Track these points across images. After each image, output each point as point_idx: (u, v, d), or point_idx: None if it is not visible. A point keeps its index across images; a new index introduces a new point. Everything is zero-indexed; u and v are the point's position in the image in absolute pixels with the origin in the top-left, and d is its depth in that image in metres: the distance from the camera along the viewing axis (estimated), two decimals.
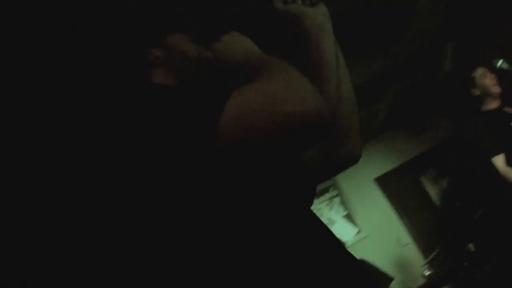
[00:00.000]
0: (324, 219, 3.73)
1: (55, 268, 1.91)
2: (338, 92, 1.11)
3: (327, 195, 3.99)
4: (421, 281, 3.46)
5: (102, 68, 1.64)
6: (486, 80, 2.53)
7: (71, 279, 1.91)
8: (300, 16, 1.15)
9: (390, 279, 3.25)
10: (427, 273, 3.44)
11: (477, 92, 2.54)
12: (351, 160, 1.16)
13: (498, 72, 2.48)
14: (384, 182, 4.05)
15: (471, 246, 2.96)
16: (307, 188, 1.08)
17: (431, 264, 3.44)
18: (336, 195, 3.98)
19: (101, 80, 1.67)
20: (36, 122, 1.93)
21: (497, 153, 2.41)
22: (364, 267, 0.96)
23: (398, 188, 4.01)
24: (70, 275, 1.91)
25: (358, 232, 3.81)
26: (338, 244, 0.90)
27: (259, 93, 0.80)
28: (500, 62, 2.38)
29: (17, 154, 1.94)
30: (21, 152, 1.95)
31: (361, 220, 3.84)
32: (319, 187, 3.97)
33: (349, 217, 3.88)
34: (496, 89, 2.51)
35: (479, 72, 2.57)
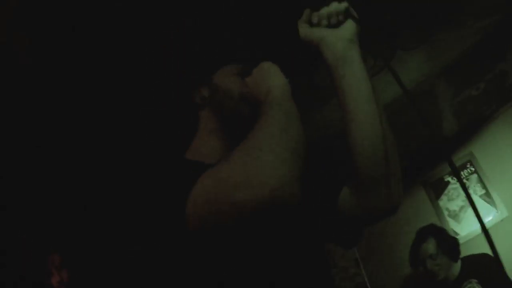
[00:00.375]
0: (460, 201, 3.61)
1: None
2: (369, 131, 0.99)
3: (464, 173, 3.79)
4: None
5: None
6: None
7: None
8: (319, 45, 1.06)
9: None
10: None
11: None
12: (390, 210, 1.04)
13: None
14: None
15: None
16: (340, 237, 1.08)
17: None
18: (474, 172, 3.77)
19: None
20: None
21: None
22: None
23: None
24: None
25: (498, 212, 3.57)
26: None
27: (215, 180, 0.79)
28: None
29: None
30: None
31: (502, 199, 3.57)
32: (456, 164, 3.82)
33: (487, 196, 3.64)
34: None
35: None
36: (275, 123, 0.85)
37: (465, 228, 3.60)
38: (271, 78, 1.00)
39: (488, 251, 2.77)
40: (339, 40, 1.03)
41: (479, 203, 3.61)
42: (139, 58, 1.87)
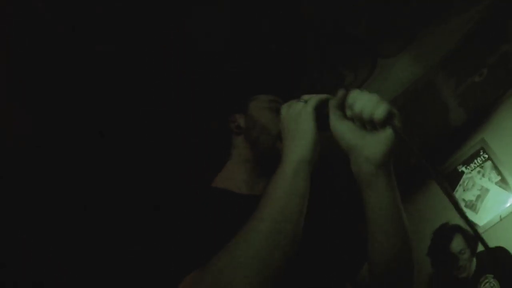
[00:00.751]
0: (476, 190, 3.56)
1: (55, 267, 2.02)
2: (389, 254, 0.93)
3: (478, 160, 3.74)
4: None
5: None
6: None
7: (71, 279, 2.03)
8: (346, 152, 0.92)
9: None
10: None
11: None
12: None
13: None
14: None
15: None
16: None
17: None
18: (487, 159, 3.71)
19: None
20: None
21: None
22: None
23: None
24: (70, 274, 2.04)
25: None
26: None
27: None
28: None
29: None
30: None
31: None
32: (468, 153, 3.77)
33: (504, 182, 3.56)
34: None
35: None
36: (268, 218, 0.81)
37: (483, 217, 3.54)
38: (296, 139, 0.93)
39: (505, 243, 2.75)
40: (367, 163, 0.88)
41: (496, 190, 3.57)
42: (174, 78, 1.89)
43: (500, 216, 3.44)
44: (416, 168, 3.52)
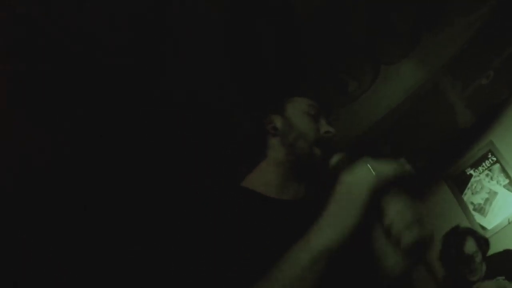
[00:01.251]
0: (484, 193, 3.53)
1: (55, 267, 2.01)
2: None
3: (486, 163, 3.71)
4: None
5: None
6: None
7: (71, 279, 2.02)
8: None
9: None
10: None
11: None
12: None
13: None
14: None
15: None
16: None
17: None
18: (496, 162, 3.68)
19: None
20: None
21: None
22: None
23: None
24: (70, 274, 2.02)
25: None
26: None
27: None
28: None
29: None
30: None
31: None
32: (476, 156, 3.74)
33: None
34: None
35: None
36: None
37: (491, 221, 3.52)
38: (338, 217, 0.80)
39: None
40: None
41: (504, 193, 3.54)
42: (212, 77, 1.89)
43: (509, 219, 3.41)
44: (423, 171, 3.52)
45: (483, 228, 3.50)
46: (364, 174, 0.79)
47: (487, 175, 3.68)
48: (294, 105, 1.17)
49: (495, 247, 2.97)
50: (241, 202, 1.01)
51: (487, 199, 3.59)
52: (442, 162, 3.86)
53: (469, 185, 3.74)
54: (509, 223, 3.37)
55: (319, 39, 1.85)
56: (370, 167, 0.79)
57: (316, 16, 1.79)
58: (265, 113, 1.18)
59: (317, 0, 1.70)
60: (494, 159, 3.68)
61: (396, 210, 0.77)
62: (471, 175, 3.75)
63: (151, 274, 1.96)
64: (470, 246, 2.84)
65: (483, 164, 3.72)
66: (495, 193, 3.57)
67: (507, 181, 3.57)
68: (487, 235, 3.28)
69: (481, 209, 3.61)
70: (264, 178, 1.10)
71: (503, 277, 2.63)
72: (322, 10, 1.77)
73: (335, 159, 0.93)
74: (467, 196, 3.72)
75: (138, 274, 2.05)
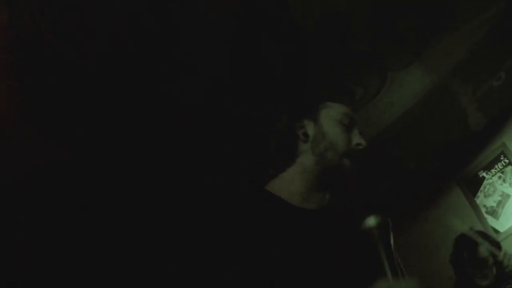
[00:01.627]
0: (497, 196, 3.51)
1: (55, 267, 2.01)
2: None
3: (499, 165, 3.67)
4: None
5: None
6: None
7: (71, 279, 2.00)
8: None
9: None
10: None
11: None
12: None
13: None
14: None
15: None
16: None
17: None
18: (508, 164, 3.63)
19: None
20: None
21: None
22: None
23: None
24: (70, 274, 2.01)
25: None
26: None
27: None
28: None
29: None
30: None
31: None
32: (488, 158, 3.72)
33: None
34: None
35: None
36: None
37: (504, 224, 3.49)
38: None
39: None
40: None
41: None
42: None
43: None
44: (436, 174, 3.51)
45: (496, 231, 3.48)
46: None
47: (499, 177, 3.64)
48: (328, 112, 1.15)
49: (508, 250, 2.95)
50: (263, 206, 1.01)
51: (499, 202, 3.56)
52: (454, 165, 3.84)
53: (482, 187, 3.71)
54: None
55: (323, 47, 1.87)
56: None
57: (318, 26, 1.82)
58: (298, 117, 1.15)
59: (317, 12, 1.73)
60: (507, 161, 3.64)
61: None
62: (483, 178, 3.72)
63: (157, 273, 1.99)
64: (483, 249, 2.82)
65: (496, 166, 3.68)
66: (508, 196, 3.53)
67: None
68: (500, 238, 3.26)
69: (493, 212, 3.59)
70: (289, 185, 1.09)
71: None
72: (324, 20, 1.80)
73: (372, 221, 0.91)
74: (480, 199, 3.70)
75: (145, 274, 2.08)
